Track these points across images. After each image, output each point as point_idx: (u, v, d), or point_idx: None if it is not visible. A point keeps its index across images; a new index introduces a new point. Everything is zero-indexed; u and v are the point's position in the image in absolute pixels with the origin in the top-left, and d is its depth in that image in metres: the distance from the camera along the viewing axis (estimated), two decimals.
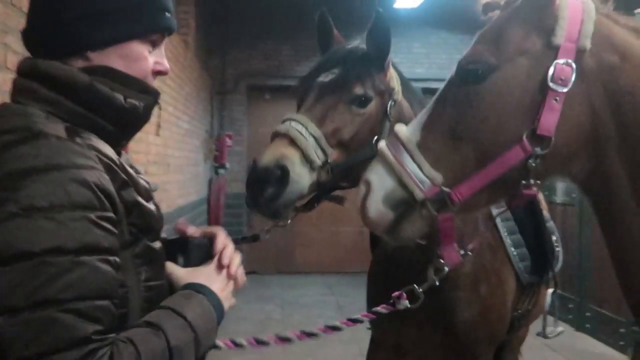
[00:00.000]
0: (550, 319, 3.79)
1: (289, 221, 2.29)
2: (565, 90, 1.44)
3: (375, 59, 2.38)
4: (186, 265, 1.40)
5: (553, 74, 1.45)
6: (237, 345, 1.86)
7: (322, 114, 2.24)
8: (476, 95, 1.50)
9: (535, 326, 3.46)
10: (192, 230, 1.47)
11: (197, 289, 1.30)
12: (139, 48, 1.30)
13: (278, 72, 9.89)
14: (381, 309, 2.01)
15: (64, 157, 1.11)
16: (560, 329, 3.91)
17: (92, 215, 1.09)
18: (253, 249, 9.89)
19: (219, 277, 1.37)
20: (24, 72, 1.25)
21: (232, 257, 1.43)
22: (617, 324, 6.05)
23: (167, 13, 1.35)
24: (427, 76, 10.05)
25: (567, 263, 2.91)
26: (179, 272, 1.37)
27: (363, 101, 2.29)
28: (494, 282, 2.52)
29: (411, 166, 1.52)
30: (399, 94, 2.43)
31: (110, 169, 1.19)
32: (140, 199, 1.24)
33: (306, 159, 2.14)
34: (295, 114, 2.25)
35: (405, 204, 1.53)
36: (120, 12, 1.26)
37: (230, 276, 1.40)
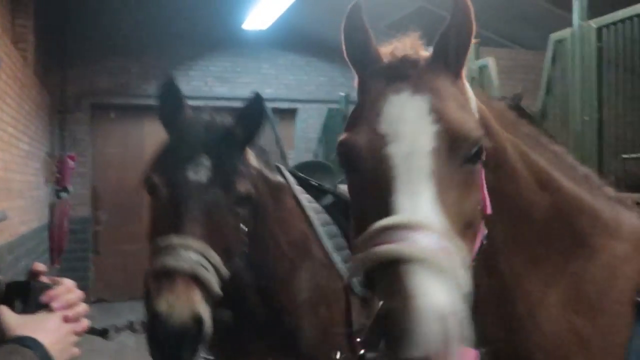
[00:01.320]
0: None
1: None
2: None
3: (241, 139, 2.22)
4: (24, 310, 1.27)
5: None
6: None
7: (214, 232, 2.00)
8: (474, 173, 1.34)
9: None
10: (44, 277, 1.34)
11: (24, 342, 1.16)
12: None
13: (125, 90, 9.56)
14: None
15: None
16: None
17: None
18: (101, 275, 9.41)
19: (53, 327, 1.24)
20: None
21: (71, 303, 1.30)
22: None
23: None
24: (276, 96, 10.28)
25: None
26: (9, 320, 1.23)
27: (244, 197, 2.14)
28: (333, 299, 2.57)
29: (457, 256, 1.21)
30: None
31: None
32: None
33: (209, 294, 1.93)
34: (190, 239, 1.93)
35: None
36: None
37: (69, 324, 1.27)
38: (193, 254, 1.91)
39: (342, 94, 8.79)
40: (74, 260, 9.05)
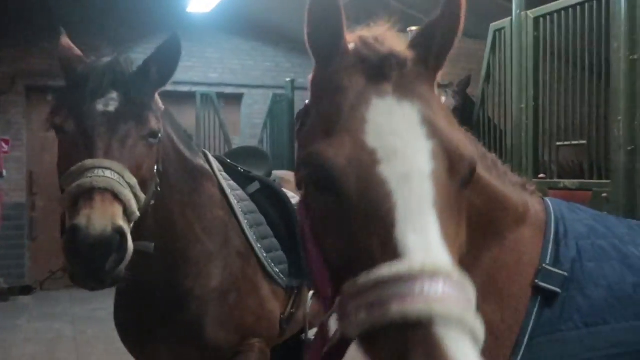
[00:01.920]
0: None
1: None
2: None
3: (156, 79, 2.22)
4: None
5: None
6: None
7: (128, 160, 2.00)
8: (465, 199, 1.16)
9: None
10: None
11: None
12: None
13: (61, 72, 9.23)
14: None
15: None
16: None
17: None
18: (35, 263, 9.12)
19: None
20: None
21: None
22: None
23: None
24: (221, 81, 10.16)
25: None
26: None
27: (155, 133, 2.15)
28: (245, 289, 2.59)
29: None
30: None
31: None
32: None
33: (127, 213, 1.93)
34: (104, 160, 1.94)
35: None
36: None
37: None
38: (109, 172, 1.90)
39: (288, 79, 8.75)
40: (10, 248, 8.77)
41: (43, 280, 2.02)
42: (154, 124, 2.13)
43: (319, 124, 1.15)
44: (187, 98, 9.11)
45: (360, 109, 1.11)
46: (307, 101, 1.30)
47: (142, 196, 2.01)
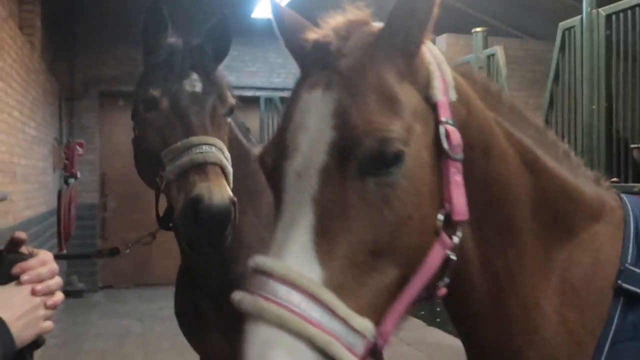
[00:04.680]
0: None
1: None
2: (461, 157, 1.17)
3: (213, 58, 2.35)
4: None
5: (447, 139, 1.15)
6: None
7: (219, 133, 2.17)
8: (394, 185, 1.07)
9: None
10: (23, 248, 1.30)
11: None
12: None
13: (132, 78, 9.51)
14: None
15: None
16: None
17: None
18: (108, 262, 9.45)
19: (18, 301, 1.19)
20: None
21: (42, 275, 1.25)
22: None
23: None
24: (284, 85, 10.26)
25: None
26: None
27: (233, 108, 2.30)
28: None
29: (333, 325, 0.98)
30: None
31: None
32: None
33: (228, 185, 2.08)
34: (208, 137, 2.09)
35: None
36: None
37: (39, 296, 1.23)
38: (214, 148, 2.05)
39: None
40: (82, 247, 9.11)
41: (132, 244, 2.13)
42: (230, 99, 2.27)
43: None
44: (251, 102, 9.23)
45: (290, 107, 1.16)
46: None
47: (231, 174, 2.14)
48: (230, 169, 2.08)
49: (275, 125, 9.05)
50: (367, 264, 1.04)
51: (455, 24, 7.54)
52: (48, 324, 1.25)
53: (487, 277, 1.32)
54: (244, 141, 2.59)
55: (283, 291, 0.98)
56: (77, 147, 8.93)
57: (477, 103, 1.30)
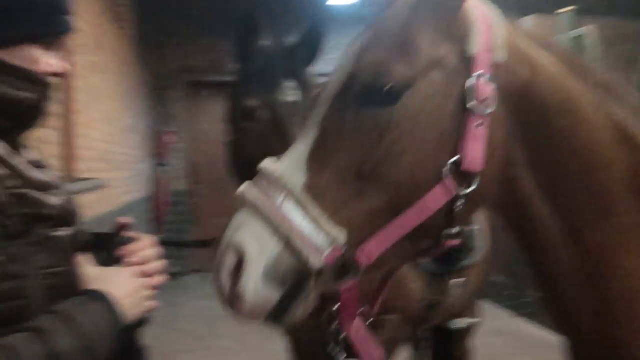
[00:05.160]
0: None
1: None
2: (488, 112, 1.19)
3: (308, 62, 2.40)
4: (106, 261, 1.34)
5: (473, 93, 1.19)
6: None
7: None
8: (388, 121, 1.16)
9: None
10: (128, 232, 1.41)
11: (95, 294, 1.20)
12: (28, 51, 1.25)
13: (216, 68, 9.77)
14: None
15: None
16: (469, 320, 3.37)
17: None
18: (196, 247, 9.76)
19: (125, 281, 1.27)
20: None
21: (147, 258, 1.34)
22: None
23: (59, 14, 1.30)
24: None
25: (505, 250, 2.98)
26: (88, 271, 1.30)
27: None
28: None
29: (302, 222, 1.11)
30: None
31: None
32: (27, 191, 1.21)
33: None
34: None
35: (295, 276, 1.12)
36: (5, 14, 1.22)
37: (143, 277, 1.31)
38: None
39: None
40: (175, 232, 9.47)
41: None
42: None
43: None
44: None
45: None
46: None
47: None
48: None
49: None
50: (353, 183, 1.16)
51: (546, 4, 7.25)
52: (152, 303, 1.33)
53: (575, 249, 1.27)
54: None
55: (271, 189, 1.14)
56: (169, 135, 9.28)
57: (550, 69, 1.28)
